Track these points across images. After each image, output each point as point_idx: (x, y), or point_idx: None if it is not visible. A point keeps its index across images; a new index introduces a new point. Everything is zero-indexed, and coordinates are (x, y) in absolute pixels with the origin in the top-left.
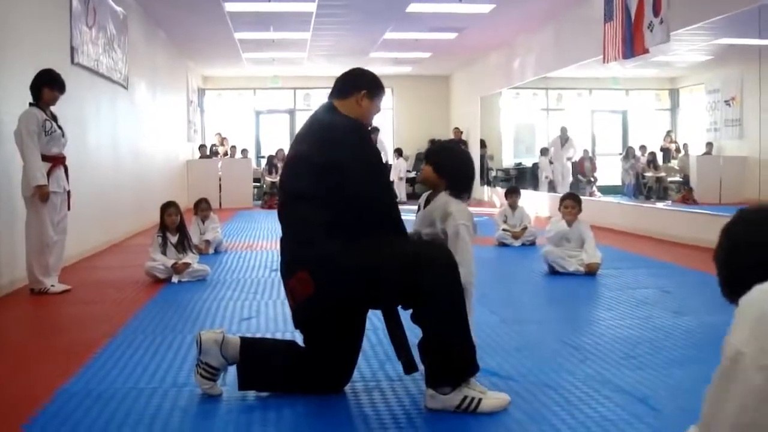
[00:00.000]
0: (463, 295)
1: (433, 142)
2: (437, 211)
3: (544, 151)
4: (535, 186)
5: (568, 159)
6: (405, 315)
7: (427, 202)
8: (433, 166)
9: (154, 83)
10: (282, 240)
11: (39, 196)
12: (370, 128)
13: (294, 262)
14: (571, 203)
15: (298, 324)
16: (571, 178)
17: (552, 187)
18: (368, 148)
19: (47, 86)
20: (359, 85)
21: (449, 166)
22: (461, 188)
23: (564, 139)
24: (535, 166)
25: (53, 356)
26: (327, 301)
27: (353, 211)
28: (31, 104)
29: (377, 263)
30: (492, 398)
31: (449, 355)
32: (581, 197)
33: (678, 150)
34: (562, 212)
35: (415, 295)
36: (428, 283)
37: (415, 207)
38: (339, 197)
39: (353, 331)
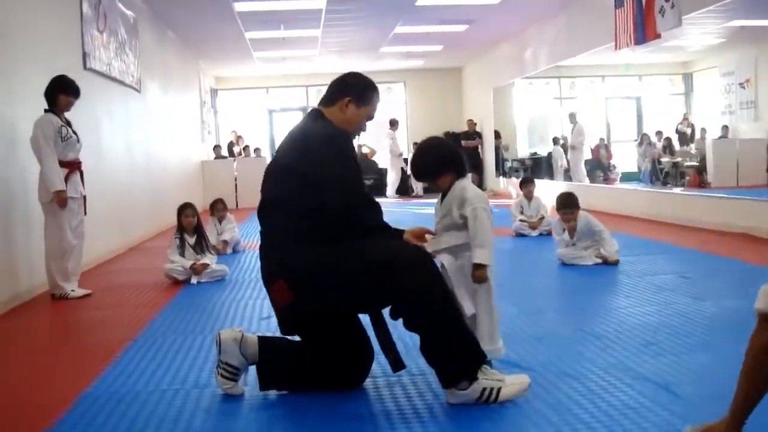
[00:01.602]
0: (447, 287)
1: (447, 135)
2: (455, 199)
3: (557, 140)
4: (551, 175)
5: (572, 147)
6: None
7: (443, 195)
8: (437, 175)
9: (166, 85)
10: (260, 248)
11: (58, 201)
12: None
13: (272, 271)
14: (567, 212)
15: (285, 332)
16: (583, 167)
17: (568, 175)
18: (344, 160)
19: (62, 92)
20: (345, 92)
21: (442, 161)
22: (464, 167)
23: (573, 125)
24: (551, 155)
25: (76, 361)
26: (306, 309)
27: (329, 220)
28: (46, 110)
29: (353, 271)
30: (511, 384)
31: (452, 352)
32: (587, 184)
33: (693, 134)
34: (561, 219)
35: (399, 301)
36: (409, 286)
37: (432, 200)
38: (315, 207)
39: (347, 330)
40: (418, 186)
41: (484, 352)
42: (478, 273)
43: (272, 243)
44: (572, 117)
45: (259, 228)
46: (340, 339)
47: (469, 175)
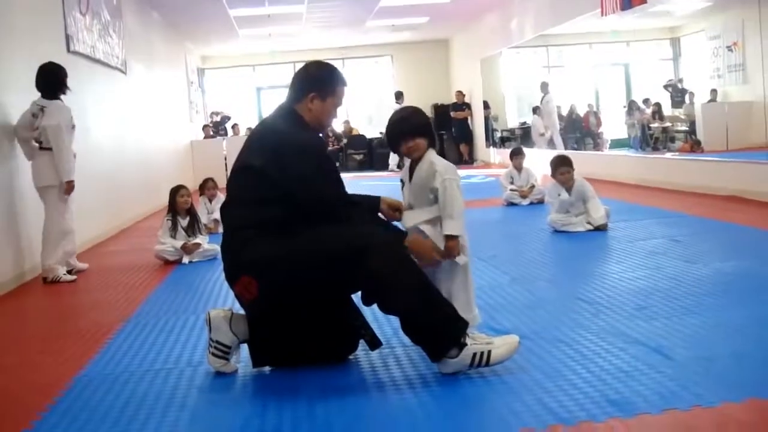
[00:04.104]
0: (416, 264)
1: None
2: (424, 173)
3: (535, 110)
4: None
5: (541, 117)
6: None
7: (411, 171)
8: (414, 136)
9: (152, 66)
10: (222, 244)
11: (66, 189)
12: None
13: (236, 266)
14: (565, 169)
15: (254, 322)
16: (558, 134)
17: (552, 143)
18: (319, 163)
19: (66, 77)
20: (308, 87)
21: (419, 124)
22: (434, 137)
23: (543, 95)
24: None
25: (69, 343)
26: (275, 301)
27: (297, 217)
28: (52, 98)
29: (319, 260)
30: (500, 345)
31: (435, 325)
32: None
33: (684, 93)
34: (558, 179)
35: (369, 285)
36: (378, 270)
37: None
38: (283, 205)
39: (329, 307)
40: None
41: (464, 319)
42: (450, 244)
43: (235, 238)
44: (543, 86)
45: None
46: (323, 316)
47: (432, 150)
